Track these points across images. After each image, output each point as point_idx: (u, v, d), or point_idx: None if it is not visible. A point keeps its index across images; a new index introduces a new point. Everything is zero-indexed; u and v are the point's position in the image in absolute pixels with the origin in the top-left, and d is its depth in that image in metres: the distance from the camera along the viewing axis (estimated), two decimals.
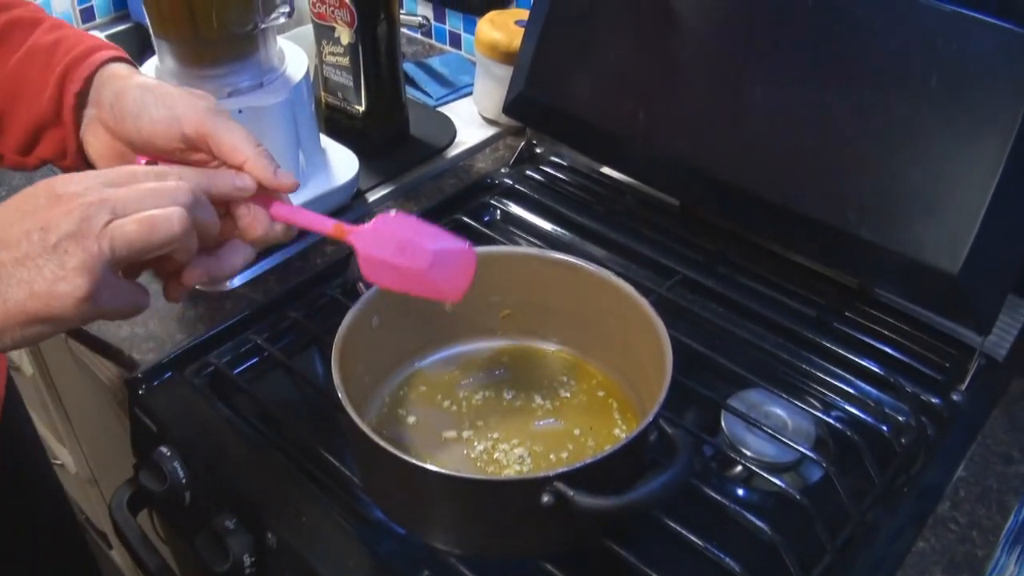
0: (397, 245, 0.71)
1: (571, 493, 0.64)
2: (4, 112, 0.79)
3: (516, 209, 1.17)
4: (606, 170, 1.23)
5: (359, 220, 1.15)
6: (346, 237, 0.72)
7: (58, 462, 1.70)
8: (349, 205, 1.17)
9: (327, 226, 0.72)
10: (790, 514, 0.78)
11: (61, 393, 1.46)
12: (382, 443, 0.67)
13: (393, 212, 0.73)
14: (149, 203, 0.60)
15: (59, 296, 0.57)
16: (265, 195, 0.70)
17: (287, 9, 0.97)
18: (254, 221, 0.69)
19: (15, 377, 1.54)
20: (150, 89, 0.71)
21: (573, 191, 1.22)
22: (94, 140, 0.77)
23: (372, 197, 1.20)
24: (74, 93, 0.75)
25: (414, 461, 0.66)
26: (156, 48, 1.01)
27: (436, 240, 0.72)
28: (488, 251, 0.86)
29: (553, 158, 1.27)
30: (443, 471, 0.66)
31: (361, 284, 0.86)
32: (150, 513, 0.98)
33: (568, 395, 0.86)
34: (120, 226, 0.58)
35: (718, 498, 0.78)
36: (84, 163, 0.79)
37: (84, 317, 0.59)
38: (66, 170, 0.76)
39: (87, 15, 1.63)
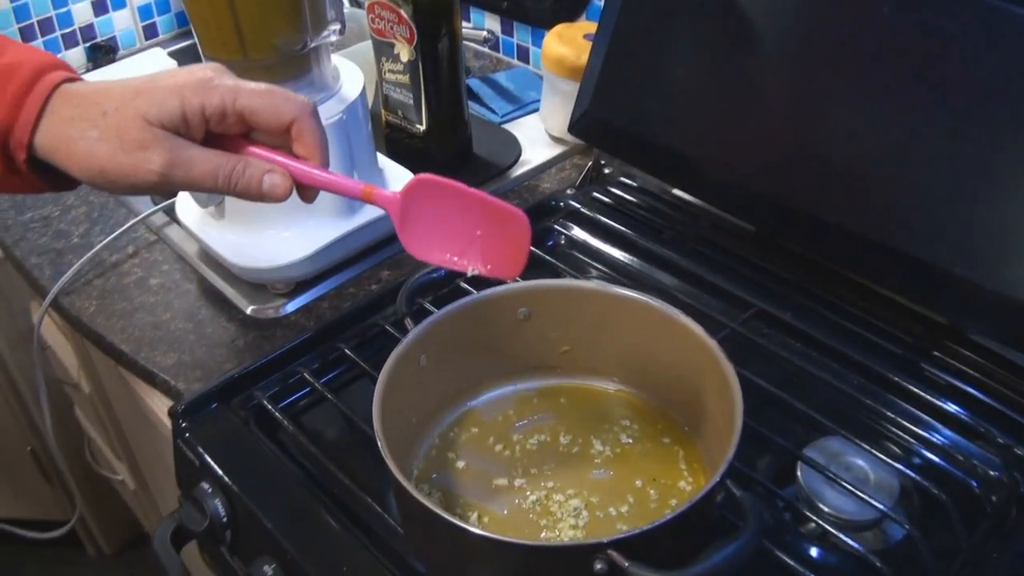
0: (439, 211, 0.68)
1: (626, 564, 0.58)
2: None
3: (581, 234, 1.11)
4: (678, 192, 1.17)
5: None
6: (377, 200, 0.69)
7: (118, 477, 1.69)
8: None
9: (355, 189, 0.69)
10: None
11: (117, 413, 1.45)
12: (420, 498, 0.62)
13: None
14: None
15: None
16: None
17: (338, 27, 0.93)
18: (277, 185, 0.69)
19: (71, 394, 1.53)
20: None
21: (643, 214, 1.16)
22: None
23: None
24: (23, 160, 0.67)
25: (454, 520, 0.61)
26: None
27: (484, 204, 0.68)
28: (547, 284, 0.82)
29: (622, 179, 1.21)
30: (483, 533, 0.62)
31: (409, 320, 0.81)
32: (199, 547, 0.94)
33: (630, 441, 0.80)
34: None
35: (790, 562, 0.72)
36: (70, 186, 0.73)
37: None
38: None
39: (150, 32, 1.63)
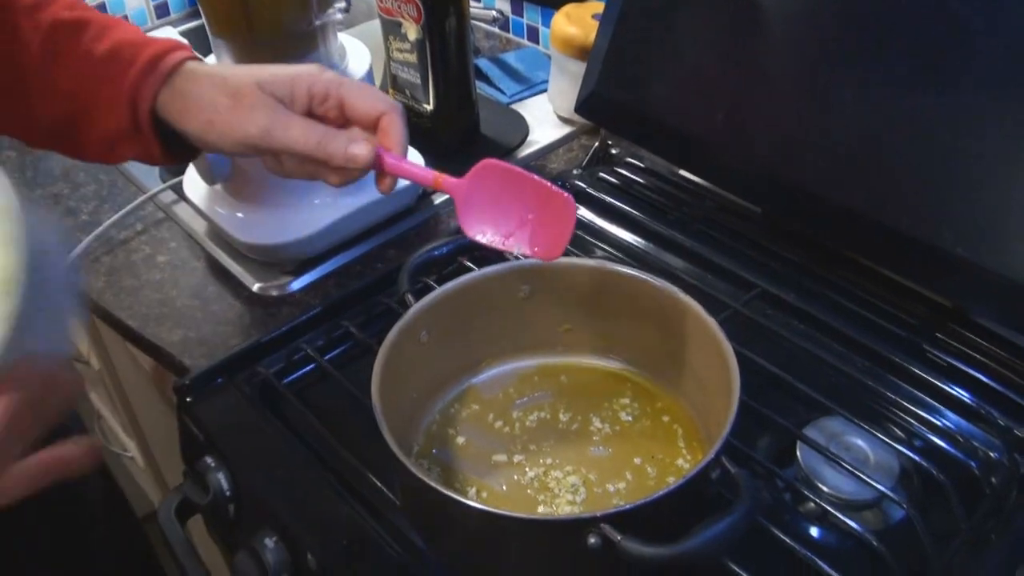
0: (496, 194, 0.73)
1: (618, 538, 0.58)
2: (73, 122, 0.80)
3: (587, 214, 1.11)
4: (685, 173, 1.16)
5: (424, 223, 1.13)
6: (444, 187, 0.75)
7: (128, 454, 1.71)
8: (415, 207, 1.13)
9: (427, 177, 0.75)
10: (866, 560, 0.72)
11: (126, 390, 1.46)
12: (418, 472, 0.63)
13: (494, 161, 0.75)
14: None
15: None
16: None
17: (343, 5, 0.93)
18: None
19: (83, 371, 1.54)
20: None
21: (649, 194, 1.16)
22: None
23: (439, 199, 1.16)
24: (147, 110, 0.77)
25: (451, 494, 0.62)
26: (213, 47, 0.98)
27: (537, 187, 0.72)
28: (549, 263, 0.81)
29: (629, 159, 1.21)
30: (479, 506, 0.62)
31: (410, 297, 0.81)
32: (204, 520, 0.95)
33: (630, 419, 0.81)
34: None
35: (789, 542, 0.72)
36: (173, 160, 0.83)
37: None
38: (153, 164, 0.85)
39: (161, 11, 1.63)
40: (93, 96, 0.78)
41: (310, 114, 0.77)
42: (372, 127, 0.77)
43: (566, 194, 0.73)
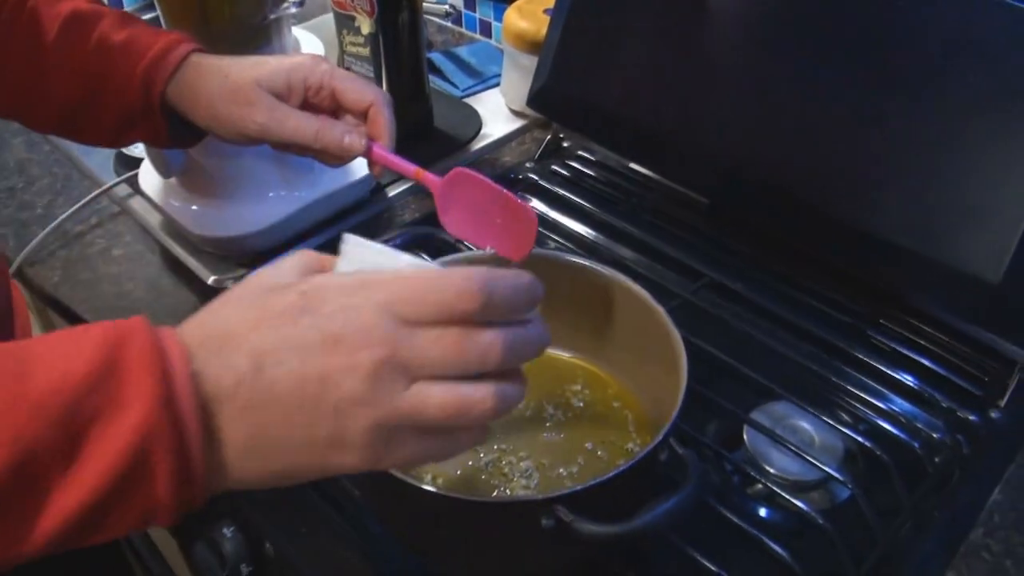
0: (471, 198, 0.78)
1: (571, 518, 0.60)
2: (84, 104, 0.85)
3: (539, 205, 1.13)
4: (634, 166, 1.18)
5: (379, 216, 1.14)
6: (424, 181, 0.81)
7: None
8: (369, 199, 1.14)
9: (410, 170, 0.82)
10: (813, 537, 0.74)
11: None
12: None
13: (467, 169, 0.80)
14: (454, 366, 0.49)
15: (329, 467, 0.49)
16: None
17: None
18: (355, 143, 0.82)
19: None
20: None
21: (599, 187, 1.17)
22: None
23: (393, 192, 1.17)
24: (159, 92, 0.83)
25: (407, 479, 0.63)
26: None
27: (505, 200, 0.76)
28: (496, 254, 0.83)
29: (580, 152, 1.22)
30: (435, 490, 0.63)
31: None
32: None
33: (581, 405, 0.82)
34: (423, 401, 0.48)
35: (736, 520, 0.74)
36: (179, 142, 0.90)
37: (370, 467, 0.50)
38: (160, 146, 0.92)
39: (115, 2, 1.62)
40: (108, 79, 0.84)
41: (305, 103, 0.83)
42: (363, 115, 0.84)
43: (528, 208, 0.76)
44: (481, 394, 0.49)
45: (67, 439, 0.43)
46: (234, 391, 0.46)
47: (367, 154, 0.83)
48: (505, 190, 0.77)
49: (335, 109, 0.84)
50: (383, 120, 0.83)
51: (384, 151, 0.83)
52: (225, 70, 0.82)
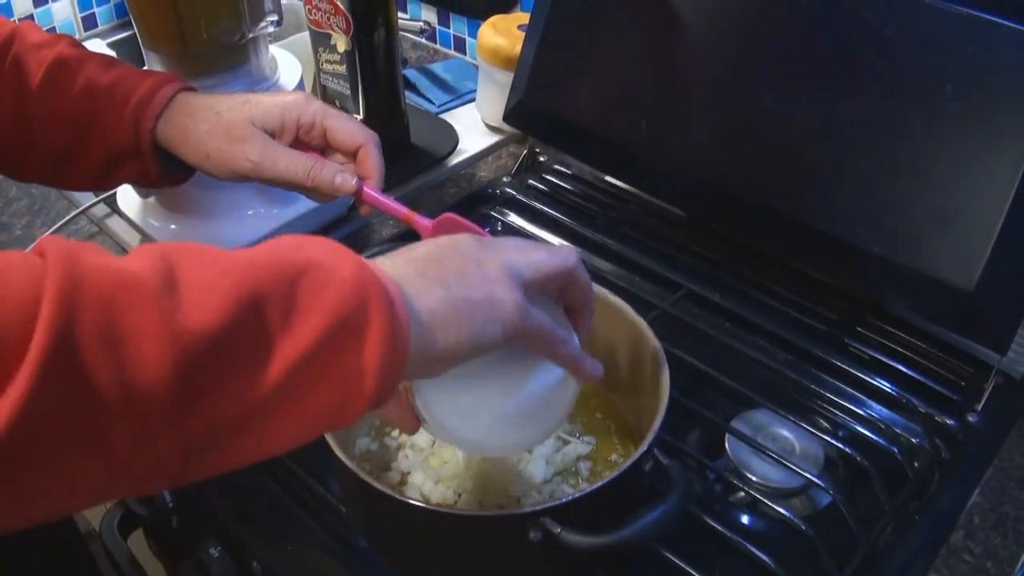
0: None
1: (558, 530, 0.60)
2: (71, 145, 0.85)
3: (517, 220, 1.13)
4: (611, 179, 1.19)
5: (356, 233, 1.14)
6: (414, 223, 0.82)
7: None
8: (346, 217, 1.14)
9: (401, 212, 0.83)
10: (796, 543, 0.75)
11: None
12: (359, 472, 0.64)
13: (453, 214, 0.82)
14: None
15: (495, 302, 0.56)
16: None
17: (275, 18, 0.94)
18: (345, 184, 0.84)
19: None
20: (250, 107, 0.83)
21: (576, 201, 1.18)
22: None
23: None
24: (149, 130, 0.83)
25: (393, 494, 0.63)
26: (146, 59, 0.98)
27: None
28: None
29: (557, 166, 1.23)
30: (422, 504, 0.64)
31: None
32: (145, 532, 0.95)
33: None
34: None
35: (720, 528, 0.75)
36: (168, 181, 0.89)
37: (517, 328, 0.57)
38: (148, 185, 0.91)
39: (89, 22, 1.62)
40: (95, 122, 0.84)
41: (297, 141, 0.85)
42: (352, 155, 0.85)
43: None
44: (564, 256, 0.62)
45: (289, 290, 0.47)
46: (413, 275, 0.54)
47: (357, 194, 0.84)
48: (487, 234, 0.77)
49: (324, 147, 0.86)
50: (372, 161, 0.84)
51: (374, 191, 0.84)
52: (216, 107, 0.83)
